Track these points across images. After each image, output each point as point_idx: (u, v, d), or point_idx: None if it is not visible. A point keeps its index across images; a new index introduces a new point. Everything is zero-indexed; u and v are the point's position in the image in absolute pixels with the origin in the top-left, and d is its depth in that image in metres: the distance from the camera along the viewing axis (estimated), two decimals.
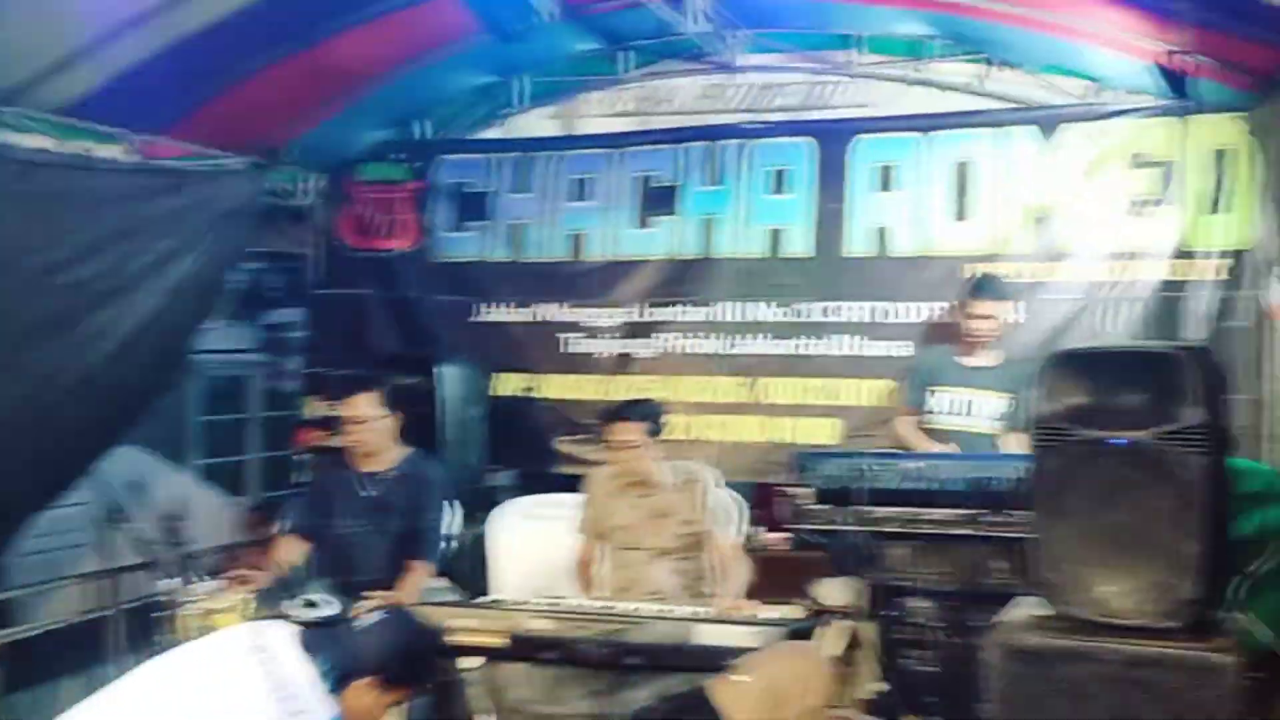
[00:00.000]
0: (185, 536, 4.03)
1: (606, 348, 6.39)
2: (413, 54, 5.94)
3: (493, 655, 3.76)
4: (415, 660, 2.91)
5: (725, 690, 2.88)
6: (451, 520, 4.76)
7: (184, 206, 5.58)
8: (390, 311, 6.75)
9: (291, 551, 4.58)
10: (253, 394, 7.73)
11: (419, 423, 5.17)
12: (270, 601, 4.00)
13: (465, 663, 4.10)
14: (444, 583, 4.78)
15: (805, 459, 4.40)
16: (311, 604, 4.04)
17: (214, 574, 4.05)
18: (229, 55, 5.18)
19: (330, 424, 6.44)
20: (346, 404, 4.69)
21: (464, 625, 3.76)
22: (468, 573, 5.19)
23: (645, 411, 4.36)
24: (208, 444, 7.31)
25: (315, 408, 6.60)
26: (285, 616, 3.95)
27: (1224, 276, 5.39)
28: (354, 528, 4.63)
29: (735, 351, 6.14)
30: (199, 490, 6.57)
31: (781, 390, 6.06)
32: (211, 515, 6.25)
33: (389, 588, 4.32)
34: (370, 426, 4.63)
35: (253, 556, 4.53)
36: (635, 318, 6.34)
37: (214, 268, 5.76)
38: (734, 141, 6.21)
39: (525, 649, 3.70)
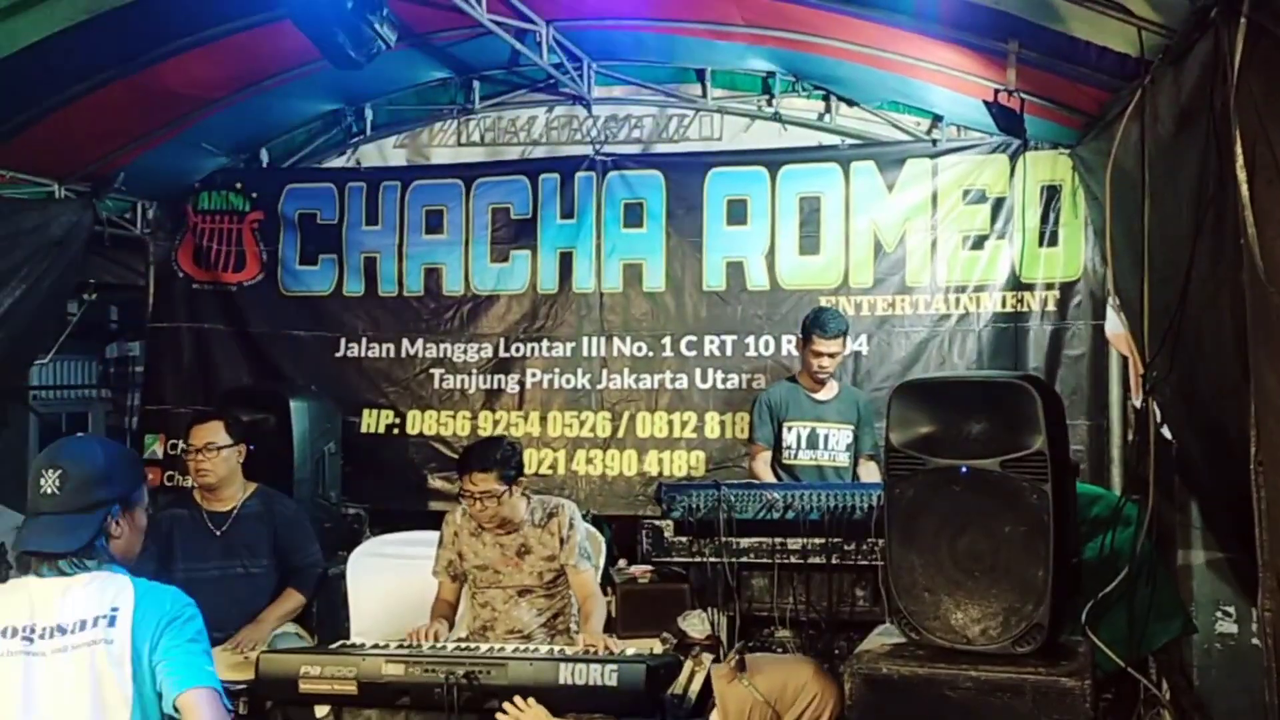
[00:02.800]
0: None
1: (473, 383, 6.35)
2: (251, 80, 5.76)
3: (341, 703, 3.62)
4: None
5: (726, 688, 2.87)
6: None
7: (9, 235, 5.28)
8: (239, 346, 6.54)
9: None
10: (94, 431, 7.34)
11: (270, 459, 5.02)
12: None
13: (317, 712, 3.95)
14: (293, 628, 4.60)
15: (668, 491, 4.42)
16: None
17: None
18: (52, 79, 4.95)
19: (170, 463, 6.20)
20: (192, 433, 4.56)
21: (311, 672, 3.61)
22: (321, 614, 5.02)
23: (499, 457, 4.24)
24: None
25: (157, 446, 6.31)
26: None
27: (1057, 307, 5.70)
28: (203, 571, 4.44)
29: (602, 386, 6.19)
30: None
31: (649, 424, 6.13)
32: None
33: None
34: (218, 456, 4.49)
35: None
36: (499, 353, 6.33)
37: (46, 299, 5.47)
38: (588, 173, 6.23)
39: (376, 696, 3.58)
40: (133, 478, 2.62)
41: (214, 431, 4.52)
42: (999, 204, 5.76)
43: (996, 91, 4.62)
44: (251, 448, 4.70)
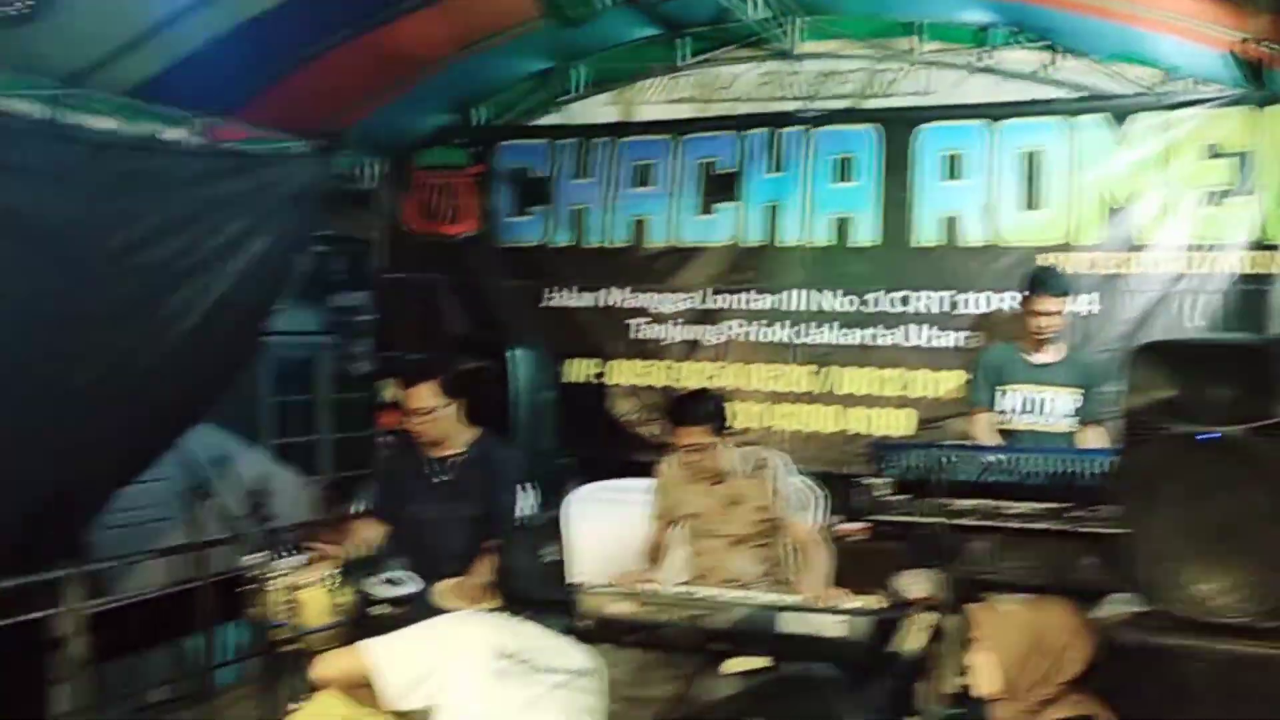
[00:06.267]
0: (269, 512, 4.07)
1: (674, 334, 6.41)
2: (475, 39, 5.95)
3: (579, 637, 3.76)
4: None
5: (987, 615, 2.90)
6: (526, 503, 4.72)
7: (250, 189, 5.57)
8: (458, 296, 6.79)
9: (370, 532, 4.57)
10: (321, 376, 7.80)
11: (491, 406, 5.14)
12: (353, 578, 4.01)
13: None
14: None
15: (883, 450, 4.37)
16: (393, 582, 4.08)
17: (296, 550, 4.05)
18: (294, 38, 5.21)
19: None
20: (408, 395, 4.61)
21: None
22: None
23: (709, 411, 4.32)
24: (279, 424, 7.38)
25: (392, 391, 6.62)
26: (366, 593, 3.99)
27: None
28: (427, 513, 4.59)
29: (804, 340, 6.15)
30: (277, 468, 6.61)
31: (854, 380, 6.06)
32: (290, 493, 6.29)
33: (465, 571, 4.29)
34: (432, 417, 4.54)
35: (331, 534, 4.51)
36: (701, 304, 6.37)
37: (282, 251, 5.74)
38: (796, 128, 6.19)
39: (610, 632, 3.70)
40: None
41: (428, 394, 4.51)
42: (1241, 160, 5.41)
43: (1239, 41, 4.38)
44: (475, 391, 4.85)
